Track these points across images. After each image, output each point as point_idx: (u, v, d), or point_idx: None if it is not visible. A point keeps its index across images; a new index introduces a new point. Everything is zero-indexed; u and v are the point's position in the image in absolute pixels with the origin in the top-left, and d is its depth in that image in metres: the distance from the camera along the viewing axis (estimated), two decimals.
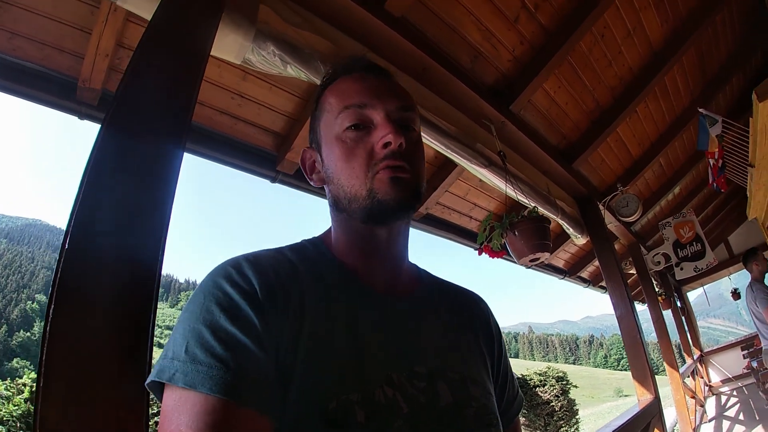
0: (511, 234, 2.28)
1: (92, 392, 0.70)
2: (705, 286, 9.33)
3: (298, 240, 0.79)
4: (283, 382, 0.55)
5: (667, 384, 5.25)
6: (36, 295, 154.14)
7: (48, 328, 0.68)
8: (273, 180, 2.47)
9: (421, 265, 0.89)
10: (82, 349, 0.71)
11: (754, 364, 6.48)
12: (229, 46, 1.46)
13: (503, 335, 0.90)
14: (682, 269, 5.38)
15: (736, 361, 7.87)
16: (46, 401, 0.65)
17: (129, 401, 0.73)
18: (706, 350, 8.79)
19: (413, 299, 0.78)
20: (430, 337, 0.73)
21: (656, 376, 3.45)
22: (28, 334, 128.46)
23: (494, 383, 0.81)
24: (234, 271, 0.61)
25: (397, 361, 0.65)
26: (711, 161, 4.20)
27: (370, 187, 0.69)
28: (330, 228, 0.80)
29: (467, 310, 0.86)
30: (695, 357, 8.01)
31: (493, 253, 2.34)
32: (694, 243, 5.35)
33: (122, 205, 0.85)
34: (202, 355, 0.52)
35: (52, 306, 0.70)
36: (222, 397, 0.49)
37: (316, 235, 0.81)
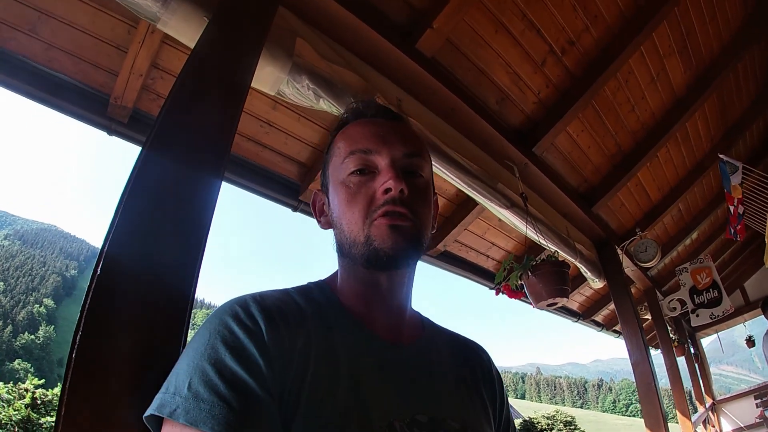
0: (530, 277, 2.26)
1: (114, 417, 0.68)
2: (719, 333, 9.12)
3: (304, 282, 0.79)
4: (285, 425, 0.54)
5: None
6: (44, 299, 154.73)
7: (76, 348, 0.67)
8: (294, 209, 2.49)
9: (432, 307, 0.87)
10: (108, 372, 0.69)
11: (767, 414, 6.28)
12: (265, 77, 1.49)
13: (504, 384, 0.88)
14: (698, 316, 5.26)
15: (748, 410, 7.59)
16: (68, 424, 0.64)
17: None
18: (718, 398, 8.53)
19: (416, 347, 0.76)
20: (432, 385, 0.72)
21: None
22: (33, 337, 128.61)
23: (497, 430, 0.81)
24: (241, 311, 0.60)
25: (399, 409, 0.63)
26: (731, 207, 4.15)
27: (368, 233, 0.69)
28: (336, 271, 0.79)
29: (469, 359, 0.85)
30: (707, 405, 7.77)
31: (512, 293, 2.32)
32: (711, 289, 5.25)
33: (159, 230, 0.85)
34: (206, 392, 0.51)
35: (82, 324, 0.69)
36: None
37: (322, 278, 0.81)
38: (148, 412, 0.53)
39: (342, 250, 0.75)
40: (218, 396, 0.51)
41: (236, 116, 1.10)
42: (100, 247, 0.80)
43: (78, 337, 0.68)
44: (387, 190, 0.69)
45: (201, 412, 0.49)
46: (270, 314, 0.61)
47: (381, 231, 0.68)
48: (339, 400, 0.59)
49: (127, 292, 0.77)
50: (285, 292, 0.70)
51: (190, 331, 0.78)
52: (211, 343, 0.56)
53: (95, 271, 0.75)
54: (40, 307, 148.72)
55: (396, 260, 0.69)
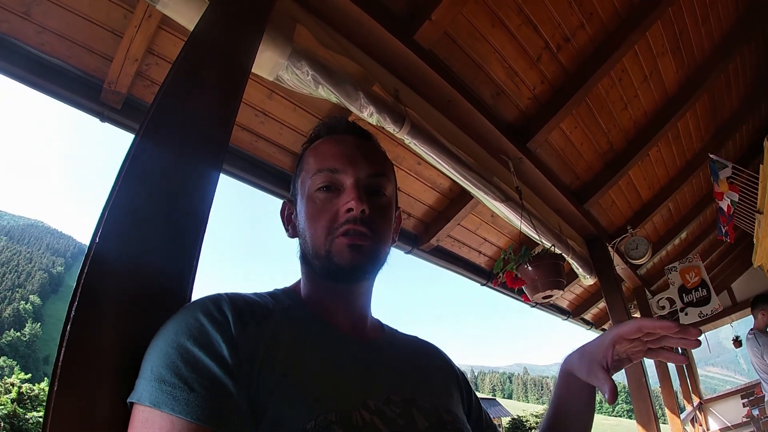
0: (527, 268, 2.27)
1: (106, 408, 0.61)
2: (706, 333, 9.22)
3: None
4: (256, 411, 0.56)
5: (667, 431, 5.16)
6: (30, 296, 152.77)
7: (66, 342, 0.61)
8: None
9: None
10: (99, 366, 0.63)
11: (755, 413, 6.34)
12: (264, 62, 1.47)
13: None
14: (686, 314, 5.31)
15: (735, 410, 7.69)
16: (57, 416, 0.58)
17: None
18: (705, 398, 8.64)
19: (379, 342, 0.81)
20: (399, 372, 0.76)
21: None
22: (18, 334, 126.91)
23: (468, 414, 0.85)
24: (211, 304, 0.62)
25: (372, 390, 0.66)
26: (725, 204, 4.14)
27: (328, 249, 0.73)
28: (299, 280, 0.83)
29: (429, 355, 0.91)
30: (695, 404, 7.86)
31: (513, 282, 2.33)
32: (700, 288, 5.29)
33: (153, 223, 0.79)
34: (168, 375, 0.53)
35: (72, 318, 0.62)
36: (184, 418, 0.50)
37: (287, 285, 0.84)
38: (128, 401, 0.55)
39: (305, 258, 0.79)
40: (180, 378, 0.52)
41: (236, 103, 1.04)
42: (88, 242, 0.73)
43: (66, 336, 0.62)
44: (349, 210, 0.73)
45: (163, 394, 0.51)
46: (239, 309, 0.63)
47: (340, 249, 0.72)
48: (311, 382, 0.61)
49: (117, 290, 0.70)
50: (256, 293, 0.74)
51: None
52: (176, 332, 0.58)
53: (83, 267, 0.68)
54: (26, 304, 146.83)
55: (353, 276, 0.75)
